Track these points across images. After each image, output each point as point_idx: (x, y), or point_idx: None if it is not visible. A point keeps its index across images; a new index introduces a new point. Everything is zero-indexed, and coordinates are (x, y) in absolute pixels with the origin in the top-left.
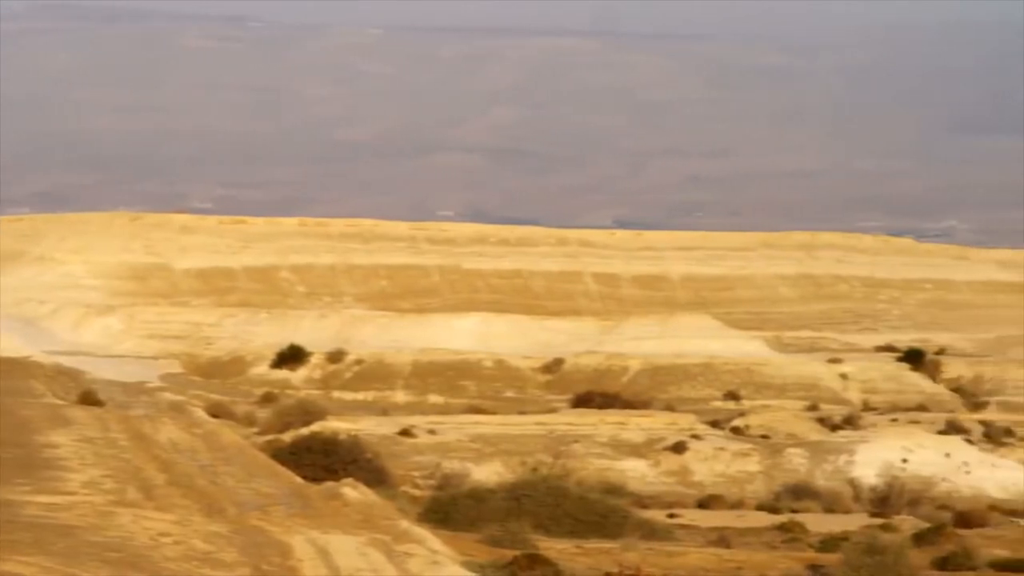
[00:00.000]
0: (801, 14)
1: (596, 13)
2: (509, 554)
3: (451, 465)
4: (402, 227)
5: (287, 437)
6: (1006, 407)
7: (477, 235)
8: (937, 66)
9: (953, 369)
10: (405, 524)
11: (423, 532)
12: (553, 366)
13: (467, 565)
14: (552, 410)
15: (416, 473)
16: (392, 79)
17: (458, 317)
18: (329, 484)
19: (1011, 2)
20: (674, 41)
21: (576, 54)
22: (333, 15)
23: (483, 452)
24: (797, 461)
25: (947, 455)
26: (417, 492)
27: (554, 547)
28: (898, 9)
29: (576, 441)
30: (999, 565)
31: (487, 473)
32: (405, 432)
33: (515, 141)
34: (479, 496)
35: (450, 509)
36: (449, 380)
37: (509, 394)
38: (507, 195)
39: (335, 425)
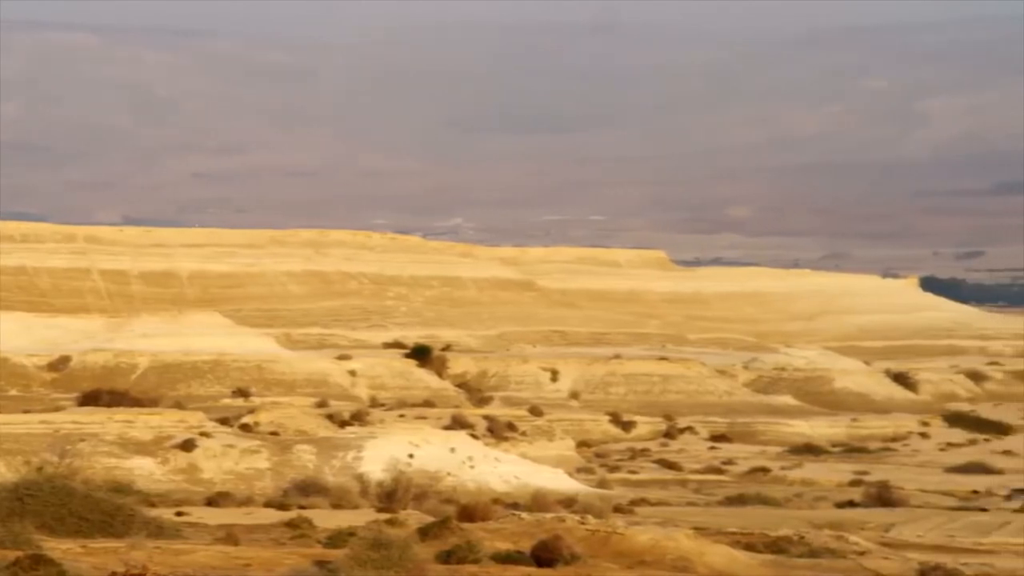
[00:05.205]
0: (306, 14)
1: (98, 7)
2: (12, 555)
3: None
4: None
5: None
6: (509, 402)
7: None
8: (440, 67)
9: (459, 365)
10: None
11: None
12: (59, 364)
13: None
14: (58, 408)
15: None
16: None
17: None
18: None
19: (516, 3)
20: (179, 37)
21: (80, 48)
22: None
23: None
24: (306, 458)
25: (452, 450)
26: None
27: (59, 547)
28: (400, 11)
29: (83, 440)
30: (500, 557)
31: None
32: None
33: (19, 135)
34: None
35: None
36: None
37: (13, 392)
38: (11, 190)
39: None
